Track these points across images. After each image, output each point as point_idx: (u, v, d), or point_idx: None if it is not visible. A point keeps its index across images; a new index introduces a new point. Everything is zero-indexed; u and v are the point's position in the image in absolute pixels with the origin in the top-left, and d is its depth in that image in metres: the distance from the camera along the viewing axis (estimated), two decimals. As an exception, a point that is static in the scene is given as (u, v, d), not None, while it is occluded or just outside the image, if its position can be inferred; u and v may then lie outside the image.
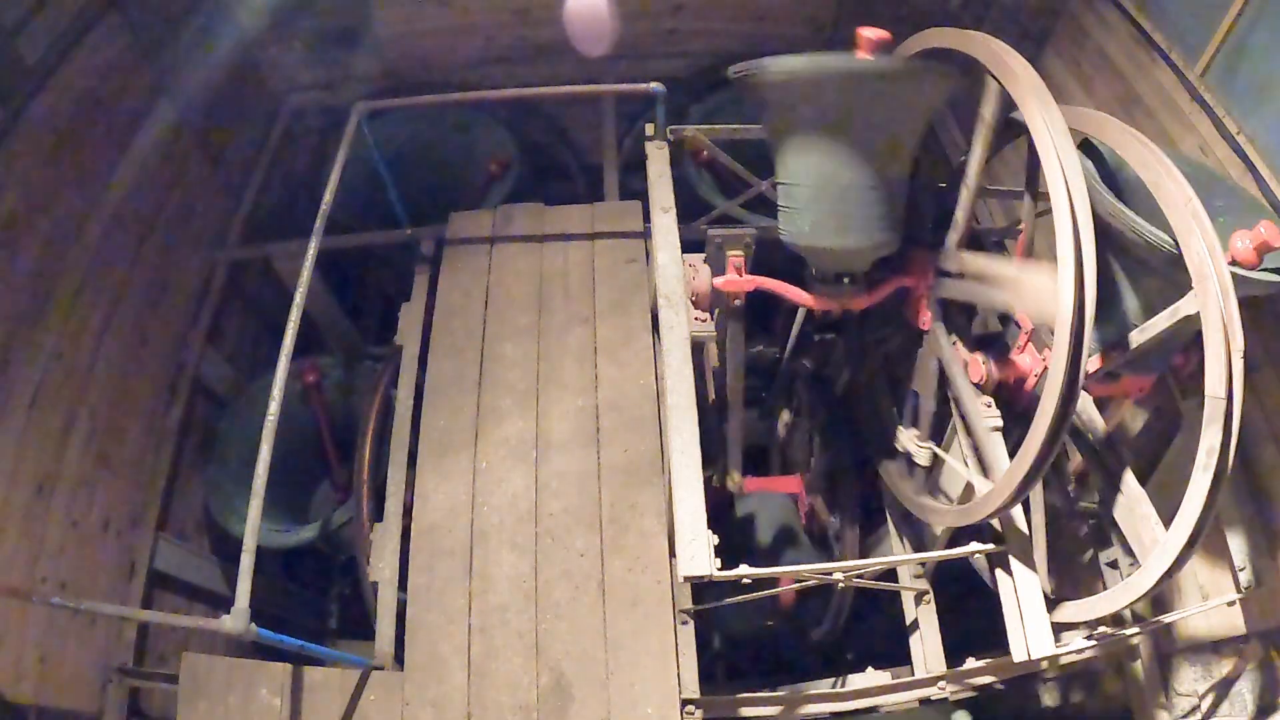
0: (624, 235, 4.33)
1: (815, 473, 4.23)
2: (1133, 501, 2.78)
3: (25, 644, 3.22)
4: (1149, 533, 2.67)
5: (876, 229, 2.79)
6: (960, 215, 2.77)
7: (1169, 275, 2.41)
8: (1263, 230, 2.33)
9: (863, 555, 3.95)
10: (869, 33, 2.19)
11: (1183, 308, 2.37)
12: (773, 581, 3.21)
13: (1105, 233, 2.45)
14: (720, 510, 3.98)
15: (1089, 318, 2.19)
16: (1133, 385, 2.91)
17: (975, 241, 3.14)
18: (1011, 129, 2.73)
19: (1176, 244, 2.32)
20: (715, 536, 2.48)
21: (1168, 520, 2.44)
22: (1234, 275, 2.29)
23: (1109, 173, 2.71)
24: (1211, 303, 2.24)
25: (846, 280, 3.05)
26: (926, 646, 3.41)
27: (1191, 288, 2.30)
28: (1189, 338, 2.58)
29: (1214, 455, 2.24)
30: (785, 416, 4.69)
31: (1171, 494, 2.51)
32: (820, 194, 2.73)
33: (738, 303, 3.11)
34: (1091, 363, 2.66)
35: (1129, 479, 2.81)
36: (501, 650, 3.20)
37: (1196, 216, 2.27)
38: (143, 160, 4.22)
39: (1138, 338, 2.57)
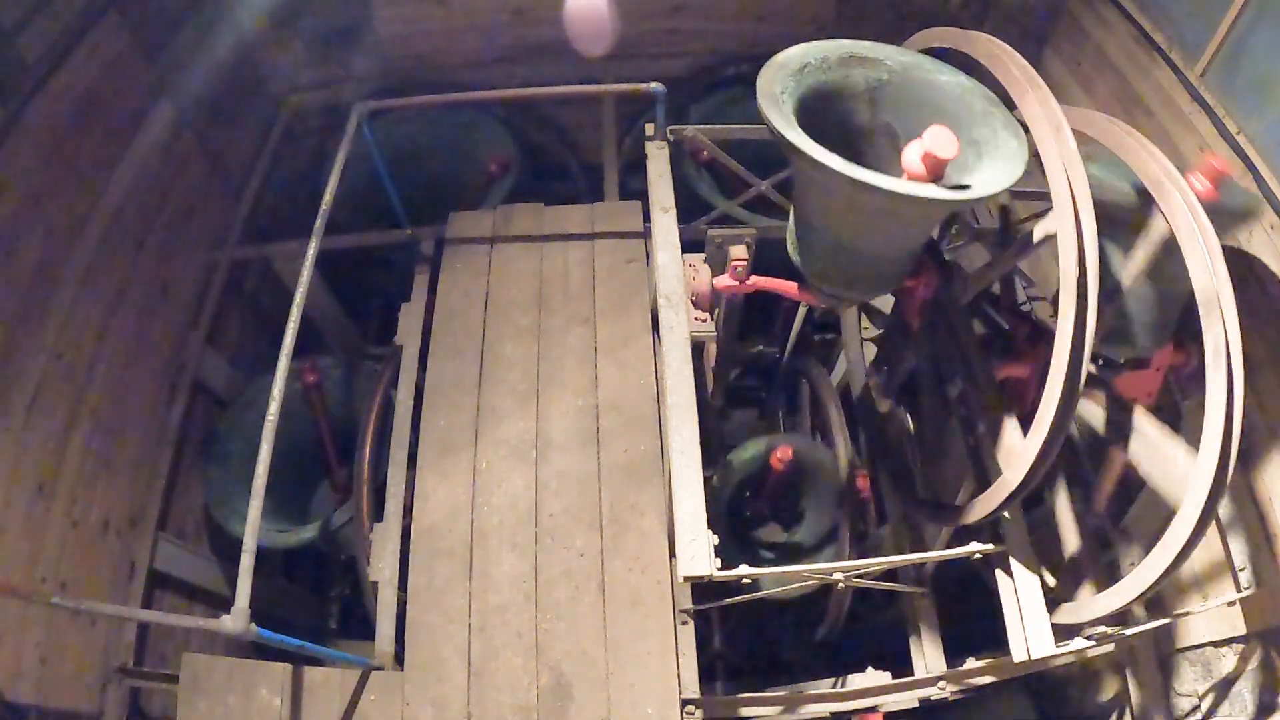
0: (624, 235, 4.33)
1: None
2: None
3: (25, 644, 3.21)
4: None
5: (882, 286, 2.94)
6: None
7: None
8: (1214, 163, 2.44)
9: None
10: None
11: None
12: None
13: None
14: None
15: (1091, 320, 2.19)
16: (1139, 389, 2.91)
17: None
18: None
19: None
20: (715, 536, 2.48)
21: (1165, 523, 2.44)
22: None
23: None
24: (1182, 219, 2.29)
25: None
26: (926, 646, 3.41)
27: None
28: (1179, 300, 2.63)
29: (1214, 455, 2.23)
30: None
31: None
32: (834, 253, 2.69)
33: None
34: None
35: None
36: (501, 650, 3.20)
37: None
38: (143, 160, 4.21)
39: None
